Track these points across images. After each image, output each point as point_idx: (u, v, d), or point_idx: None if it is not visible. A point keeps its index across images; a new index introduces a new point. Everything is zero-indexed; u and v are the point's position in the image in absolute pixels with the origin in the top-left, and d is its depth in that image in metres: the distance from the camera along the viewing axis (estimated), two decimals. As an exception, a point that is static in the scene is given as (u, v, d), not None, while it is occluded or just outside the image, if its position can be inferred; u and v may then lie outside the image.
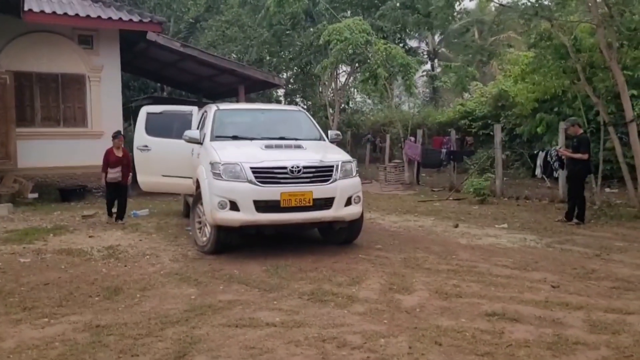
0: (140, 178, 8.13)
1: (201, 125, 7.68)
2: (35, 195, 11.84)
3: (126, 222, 8.66)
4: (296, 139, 6.83)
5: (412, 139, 14.74)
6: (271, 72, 17.09)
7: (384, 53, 12.47)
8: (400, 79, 14.02)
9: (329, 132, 7.47)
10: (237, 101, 15.27)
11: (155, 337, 3.77)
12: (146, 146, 7.99)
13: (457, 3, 9.82)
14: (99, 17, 12.29)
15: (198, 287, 5.01)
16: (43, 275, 5.52)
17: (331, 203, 6.03)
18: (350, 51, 12.90)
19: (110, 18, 12.41)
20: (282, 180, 5.90)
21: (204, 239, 6.40)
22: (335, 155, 6.47)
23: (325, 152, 6.47)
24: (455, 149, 13.47)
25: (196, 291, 4.89)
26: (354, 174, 6.32)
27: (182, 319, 4.11)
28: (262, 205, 5.83)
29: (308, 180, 5.96)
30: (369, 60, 13.09)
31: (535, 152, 11.06)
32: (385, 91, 13.62)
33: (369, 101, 27.03)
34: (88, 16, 12.17)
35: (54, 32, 12.50)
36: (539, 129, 14.23)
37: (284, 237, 7.09)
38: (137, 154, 8.06)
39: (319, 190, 5.96)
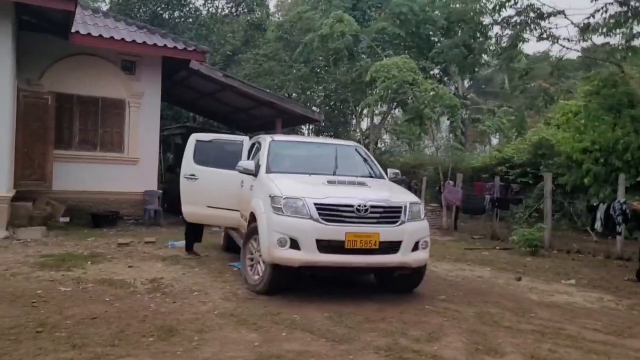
0: (185, 208, 7.77)
1: (252, 156, 7.37)
2: (67, 219, 11.55)
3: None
4: (356, 176, 6.45)
5: (451, 182, 14.30)
6: (309, 107, 16.91)
7: (430, 93, 12.18)
8: (441, 120, 13.66)
9: (388, 170, 7.08)
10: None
11: None
12: (193, 175, 7.66)
13: (520, 44, 9.50)
14: (145, 42, 12.21)
15: (259, 333, 4.56)
16: (87, 307, 5.12)
17: (398, 247, 5.59)
18: (395, 87, 12.58)
19: (155, 44, 12.33)
20: (347, 219, 5.49)
21: (256, 277, 5.97)
22: (402, 196, 6.07)
23: (390, 191, 6.07)
24: (498, 196, 12.98)
25: (258, 337, 4.44)
26: (422, 217, 5.89)
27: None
28: (324, 245, 5.41)
29: (375, 220, 5.55)
30: (410, 100, 12.80)
31: (594, 204, 10.52)
32: (426, 132, 13.26)
33: (398, 142, 26.76)
34: (134, 41, 12.08)
35: (98, 55, 12.44)
36: (586, 180, 13.73)
37: (334, 280, 6.62)
38: (183, 182, 7.73)
39: (386, 233, 5.53)
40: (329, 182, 6.09)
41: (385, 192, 6.02)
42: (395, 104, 15.20)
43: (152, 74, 13.07)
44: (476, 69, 17.00)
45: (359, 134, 21.05)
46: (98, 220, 11.73)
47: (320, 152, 7.14)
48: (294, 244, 5.43)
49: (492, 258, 9.35)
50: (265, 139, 7.17)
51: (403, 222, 5.65)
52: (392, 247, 5.57)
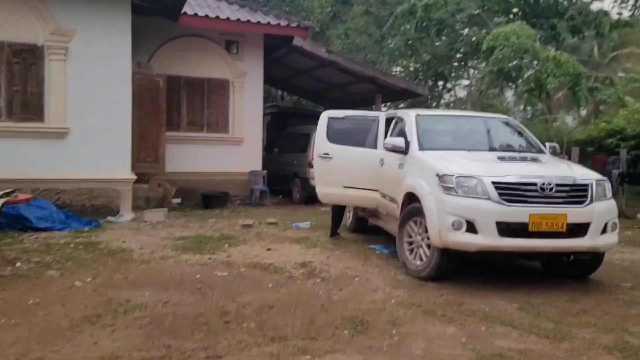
0: (319, 188, 7.48)
1: (391, 133, 6.93)
2: (179, 200, 11.64)
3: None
4: (523, 152, 5.89)
5: (566, 156, 13.32)
6: (420, 81, 16.26)
7: (552, 61, 11.26)
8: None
9: (546, 144, 6.47)
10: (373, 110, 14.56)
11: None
12: (327, 154, 7.32)
13: None
14: (249, 20, 12.00)
15: (456, 326, 4.16)
16: (257, 294, 4.90)
17: (586, 230, 5.02)
18: (511, 56, 11.69)
19: (259, 22, 12.10)
20: (529, 200, 4.96)
21: (418, 262, 5.58)
22: (586, 172, 5.47)
23: (570, 168, 5.49)
24: (628, 170, 11.93)
25: (458, 331, 4.05)
26: (609, 196, 5.28)
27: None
28: (504, 228, 4.92)
29: (561, 200, 5.00)
30: (528, 70, 11.90)
31: None
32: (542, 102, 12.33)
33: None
34: (238, 20, 11.89)
35: (203, 36, 12.36)
36: None
37: (489, 265, 6.11)
38: (317, 162, 7.42)
39: (573, 214, 4.97)
40: (500, 158, 5.57)
41: (565, 168, 5.45)
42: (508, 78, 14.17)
43: (255, 53, 12.88)
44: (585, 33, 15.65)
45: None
46: (209, 200, 11.73)
47: (472, 126, 6.61)
48: (470, 227, 4.98)
49: (634, 238, 8.56)
50: (409, 114, 6.71)
51: (591, 202, 5.06)
52: (580, 229, 5.00)
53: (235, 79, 12.75)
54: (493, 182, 4.98)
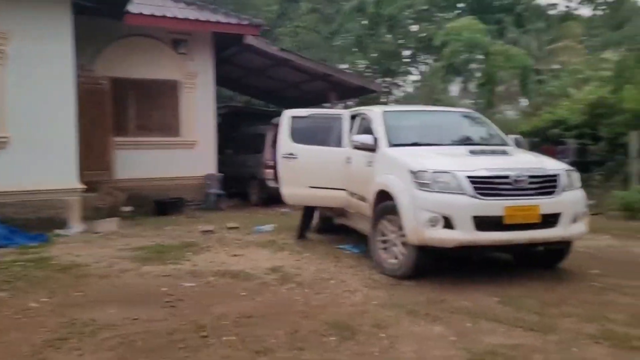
0: (285, 190, 7.27)
1: (355, 130, 6.81)
2: (130, 208, 11.14)
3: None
4: (491, 144, 5.89)
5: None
6: (371, 78, 16.23)
7: (502, 55, 11.46)
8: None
9: (510, 135, 6.52)
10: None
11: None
12: (292, 154, 7.12)
13: None
14: (197, 19, 11.64)
15: (442, 325, 4.07)
16: (231, 305, 4.66)
17: (557, 220, 5.05)
18: (463, 51, 11.84)
19: (208, 20, 11.76)
20: (503, 193, 4.95)
21: (393, 261, 5.48)
22: (554, 163, 5.51)
23: (539, 159, 5.52)
24: (576, 159, 12.32)
25: (446, 330, 3.95)
26: (577, 185, 5.33)
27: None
28: (481, 222, 4.88)
29: (533, 192, 5.01)
30: (477, 64, 12.09)
31: None
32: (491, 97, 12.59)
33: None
34: (187, 18, 11.52)
35: (149, 36, 11.88)
36: (661, 137, 13.01)
37: (462, 259, 6.07)
38: (282, 163, 7.20)
39: (546, 205, 4.99)
40: (471, 152, 5.54)
41: (534, 159, 5.48)
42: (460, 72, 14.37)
43: (205, 52, 12.50)
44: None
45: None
46: (162, 207, 11.32)
47: (438, 120, 6.58)
48: (447, 223, 4.91)
49: (599, 225, 8.78)
50: (375, 111, 6.61)
51: (562, 192, 5.10)
52: (552, 220, 5.03)
53: (185, 79, 12.33)
54: (468, 177, 4.93)
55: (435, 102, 20.55)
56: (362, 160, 6.28)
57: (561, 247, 5.51)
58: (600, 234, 7.79)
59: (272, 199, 12.82)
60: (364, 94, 15.76)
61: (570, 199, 5.14)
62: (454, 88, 26.33)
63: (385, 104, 21.29)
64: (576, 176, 5.36)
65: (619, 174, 13.51)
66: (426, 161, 5.23)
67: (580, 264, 5.92)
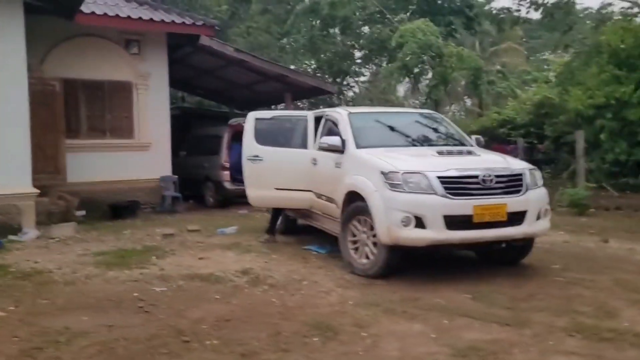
0: (250, 192, 7.24)
1: (321, 132, 6.87)
2: (83, 212, 10.78)
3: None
4: (456, 145, 6.07)
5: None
6: (322, 78, 16.30)
7: (455, 57, 11.80)
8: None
9: (472, 136, 6.74)
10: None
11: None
12: (257, 156, 7.10)
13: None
14: (151, 19, 11.40)
15: (421, 322, 4.19)
16: (206, 308, 4.62)
17: (523, 217, 5.26)
18: (419, 52, 12.09)
19: (162, 21, 11.54)
20: (472, 192, 5.11)
21: (364, 261, 5.57)
22: (518, 162, 5.73)
23: (504, 158, 5.73)
24: (525, 158, 12.79)
25: (425, 327, 4.06)
26: (540, 184, 5.57)
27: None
28: (451, 221, 5.03)
29: (501, 191, 5.20)
30: (428, 66, 12.39)
31: None
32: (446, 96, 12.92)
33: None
34: (140, 18, 11.26)
35: (100, 36, 11.55)
36: (602, 136, 13.71)
37: (425, 257, 6.21)
38: (247, 165, 7.17)
39: (512, 203, 5.20)
40: (439, 152, 5.69)
41: (499, 159, 5.68)
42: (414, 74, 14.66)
43: (158, 53, 12.25)
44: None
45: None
46: (117, 211, 11.02)
47: (403, 122, 6.71)
48: (419, 222, 5.02)
49: (552, 221, 9.18)
50: (340, 113, 6.69)
51: (526, 191, 5.32)
52: (518, 217, 5.24)
53: (138, 80, 12.05)
54: (438, 177, 5.06)
55: (386, 103, 20.94)
56: (329, 162, 6.33)
57: (524, 244, 5.73)
58: (554, 230, 8.10)
59: (229, 200, 12.77)
60: (319, 95, 15.84)
61: (535, 197, 5.37)
62: (402, 89, 26.93)
63: (338, 105, 21.50)
64: (539, 175, 5.61)
65: (565, 171, 14.18)
66: (397, 162, 5.34)
67: (541, 260, 6.18)
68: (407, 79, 17.92)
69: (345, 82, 21.32)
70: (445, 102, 15.63)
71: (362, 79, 20.62)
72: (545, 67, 27.00)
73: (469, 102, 28.52)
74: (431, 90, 13.28)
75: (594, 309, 4.37)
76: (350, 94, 20.57)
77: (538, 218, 5.39)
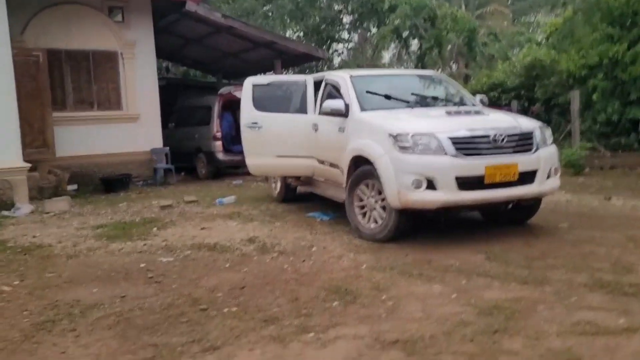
0: (250, 161, 7.10)
1: (323, 96, 6.72)
2: (75, 186, 10.61)
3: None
4: (464, 105, 5.97)
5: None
6: (313, 45, 15.97)
7: (449, 18, 11.58)
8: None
9: (477, 95, 6.65)
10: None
11: (488, 356, 2.92)
12: (256, 123, 6.95)
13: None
14: (136, -16, 11.02)
15: (439, 283, 4.14)
16: (218, 277, 4.54)
17: (534, 176, 5.21)
18: (412, 14, 11.82)
19: (148, -15, 11.16)
20: (484, 152, 5.03)
21: (372, 225, 5.50)
22: (528, 121, 5.65)
23: (514, 117, 5.64)
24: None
25: (444, 288, 4.02)
26: (550, 142, 5.51)
27: (487, 326, 3.26)
28: (463, 182, 4.96)
29: (512, 150, 5.13)
30: (427, 29, 12.14)
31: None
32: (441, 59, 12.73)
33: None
34: (125, -17, 10.88)
35: (82, 3, 11.20)
36: (594, 97, 13.70)
37: (432, 220, 6.16)
38: (245, 132, 7.02)
39: (523, 162, 5.13)
40: (447, 113, 5.59)
41: (509, 118, 5.59)
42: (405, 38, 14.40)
43: (143, 20, 11.92)
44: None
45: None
46: (109, 184, 10.85)
47: (406, 83, 6.56)
48: (430, 185, 4.95)
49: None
50: (341, 76, 6.53)
51: (537, 149, 5.25)
52: (529, 177, 5.18)
53: (124, 49, 11.73)
54: (449, 138, 4.97)
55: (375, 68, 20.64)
56: (332, 127, 6.20)
57: (532, 204, 5.69)
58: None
59: (222, 171, 12.63)
60: (307, 62, 15.55)
61: (545, 155, 5.31)
62: (387, 55, 26.63)
63: (326, 70, 21.22)
64: (549, 132, 5.54)
65: (558, 133, 14.19)
66: (405, 124, 5.23)
67: (547, 219, 6.17)
68: (394, 45, 17.69)
69: (332, 50, 20.96)
70: (438, 66, 15.53)
71: (349, 45, 20.33)
72: (531, 30, 26.89)
73: (454, 67, 28.41)
74: (425, 53, 13.07)
75: (610, 265, 4.36)
76: (338, 60, 20.28)
77: (548, 177, 5.34)
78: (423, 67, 15.56)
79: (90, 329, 3.46)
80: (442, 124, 5.23)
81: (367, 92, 6.09)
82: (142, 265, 4.99)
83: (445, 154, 4.95)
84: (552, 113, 16.38)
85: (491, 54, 14.36)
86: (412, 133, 5.04)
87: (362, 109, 5.89)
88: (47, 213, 8.04)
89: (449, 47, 14.28)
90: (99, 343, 3.25)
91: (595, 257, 4.60)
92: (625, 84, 13.04)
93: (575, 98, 11.31)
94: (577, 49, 14.57)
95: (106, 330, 3.44)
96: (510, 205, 5.74)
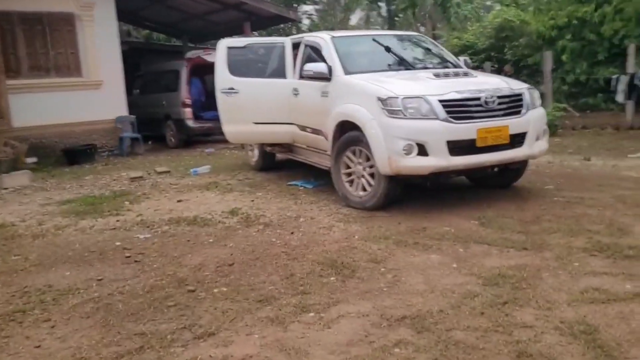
0: (227, 128, 6.75)
1: (302, 59, 6.38)
2: (34, 159, 10.02)
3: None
4: (447, 67, 5.74)
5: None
6: (283, 6, 15.38)
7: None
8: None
9: (460, 57, 6.42)
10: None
11: (503, 330, 2.77)
12: (232, 88, 6.57)
13: None
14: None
15: (436, 252, 3.97)
16: (203, 253, 4.26)
17: (523, 139, 5.06)
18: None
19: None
20: (475, 115, 4.83)
21: (361, 193, 5.28)
22: (516, 83, 5.46)
23: (502, 79, 5.45)
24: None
25: (442, 258, 3.85)
26: (538, 104, 5.35)
27: (495, 297, 3.11)
28: (454, 147, 4.77)
29: (502, 113, 4.94)
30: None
31: (611, 77, 10.57)
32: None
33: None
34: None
35: (32, -40, 10.37)
36: (564, 57, 13.71)
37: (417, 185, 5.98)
38: (221, 99, 6.64)
39: (514, 125, 4.96)
40: (435, 75, 5.34)
41: (497, 80, 5.39)
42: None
43: (101, -21, 11.13)
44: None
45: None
46: (73, 156, 10.31)
47: (389, 45, 6.22)
48: (421, 150, 4.73)
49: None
50: (322, 37, 6.20)
51: (527, 111, 5.09)
52: (519, 139, 5.03)
53: (82, 11, 10.99)
54: (440, 101, 4.74)
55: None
56: (314, 91, 5.90)
57: (518, 166, 5.57)
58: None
59: (193, 140, 12.17)
60: (278, 24, 15.00)
61: (534, 117, 5.16)
62: (355, 18, 26.17)
63: (293, 34, 20.66)
64: (537, 94, 5.38)
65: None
66: (394, 87, 4.97)
67: (533, 181, 6.08)
68: (362, 7, 17.26)
69: (301, 12, 20.39)
70: (410, 28, 15.19)
71: (318, 7, 19.71)
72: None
73: (422, 29, 28.12)
74: (395, 14, 12.71)
75: (605, 226, 4.27)
76: (307, 22, 19.71)
77: (537, 139, 5.19)
78: (393, 28, 15.24)
79: (66, 318, 3.16)
80: (431, 87, 4.98)
81: (349, 54, 5.77)
82: (118, 243, 4.67)
83: (437, 118, 4.73)
84: (521, 74, 16.36)
85: (464, 14, 14.11)
86: (402, 96, 4.79)
87: (347, 71, 5.60)
88: (6, 189, 7.57)
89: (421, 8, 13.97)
90: (77, 334, 2.96)
91: (588, 219, 4.51)
92: (593, 45, 13.10)
93: (548, 59, 11.23)
94: (547, 9, 14.53)
95: (85, 319, 3.15)
96: (496, 169, 5.59)
